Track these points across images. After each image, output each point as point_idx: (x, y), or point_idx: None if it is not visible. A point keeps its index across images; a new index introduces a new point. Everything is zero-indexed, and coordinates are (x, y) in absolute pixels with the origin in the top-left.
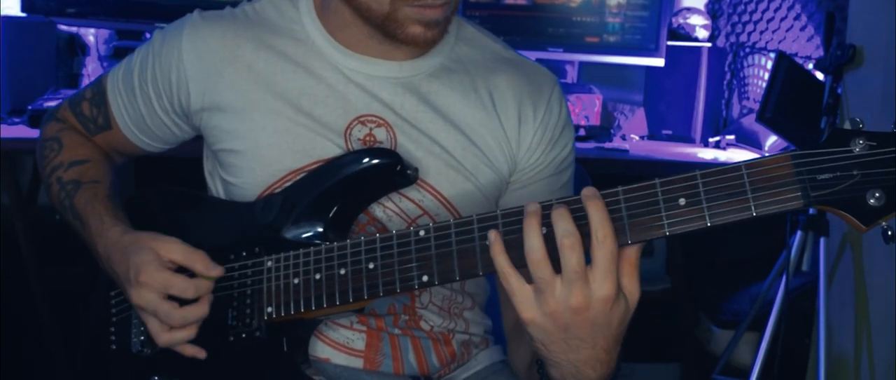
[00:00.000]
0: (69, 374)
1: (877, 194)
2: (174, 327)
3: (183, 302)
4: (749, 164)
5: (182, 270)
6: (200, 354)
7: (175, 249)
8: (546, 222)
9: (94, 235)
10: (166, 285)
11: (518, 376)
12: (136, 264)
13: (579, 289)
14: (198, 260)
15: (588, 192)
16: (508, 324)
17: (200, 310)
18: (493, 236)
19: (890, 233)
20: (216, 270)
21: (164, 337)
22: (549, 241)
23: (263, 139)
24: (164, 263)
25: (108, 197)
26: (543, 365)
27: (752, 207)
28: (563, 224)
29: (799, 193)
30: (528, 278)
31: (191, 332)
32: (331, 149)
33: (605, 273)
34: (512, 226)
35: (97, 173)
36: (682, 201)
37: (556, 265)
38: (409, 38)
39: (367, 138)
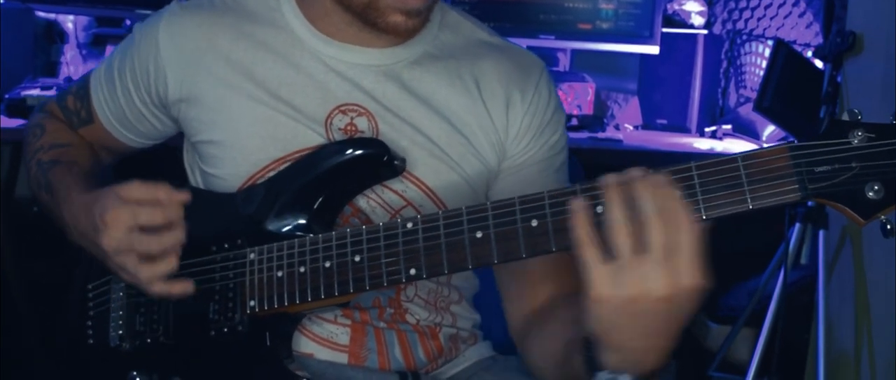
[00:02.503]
0: (46, 369)
1: (876, 187)
2: (153, 254)
3: (156, 235)
4: (745, 155)
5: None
6: (189, 288)
7: (134, 187)
8: (599, 202)
9: (61, 204)
10: (134, 216)
11: (539, 373)
12: (100, 209)
13: (667, 274)
14: (160, 190)
15: (662, 177)
16: (520, 319)
17: (176, 235)
18: (577, 205)
19: (889, 227)
20: (182, 195)
21: (144, 273)
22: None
23: (243, 129)
24: (128, 200)
25: (84, 174)
26: (592, 349)
27: (749, 200)
28: (651, 199)
29: (796, 186)
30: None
31: (172, 262)
32: (312, 138)
33: (691, 261)
34: (503, 218)
35: (76, 156)
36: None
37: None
38: (389, 26)
39: (349, 127)
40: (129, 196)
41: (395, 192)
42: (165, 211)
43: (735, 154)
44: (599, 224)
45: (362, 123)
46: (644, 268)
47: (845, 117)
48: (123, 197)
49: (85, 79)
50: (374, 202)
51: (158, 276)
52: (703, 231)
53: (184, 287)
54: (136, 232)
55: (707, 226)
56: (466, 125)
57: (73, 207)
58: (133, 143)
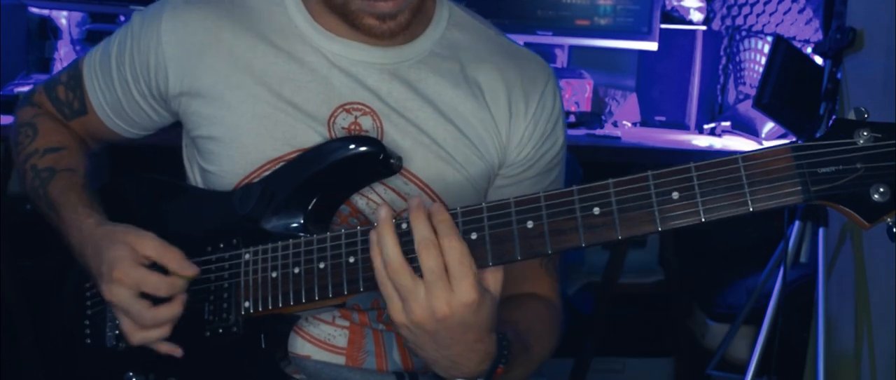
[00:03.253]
0: (41, 368)
1: (881, 189)
2: (147, 327)
3: (157, 300)
4: (746, 156)
5: (156, 266)
6: (176, 351)
7: (150, 245)
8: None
9: (67, 226)
10: (139, 283)
11: None
12: (110, 260)
13: (441, 294)
14: (172, 258)
15: (415, 202)
16: None
17: (173, 310)
18: (373, 238)
19: (895, 230)
20: (191, 270)
21: (137, 336)
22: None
23: (243, 126)
24: (139, 259)
25: (83, 186)
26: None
27: (750, 202)
28: (420, 230)
29: (799, 188)
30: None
31: (164, 331)
32: (313, 137)
33: (461, 278)
34: (498, 219)
35: (73, 161)
36: (675, 195)
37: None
38: (365, 29)
39: (352, 127)
40: (143, 252)
41: (397, 192)
42: (170, 286)
43: (736, 155)
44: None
45: (366, 123)
46: (421, 294)
47: (851, 116)
48: (137, 252)
49: (76, 68)
50: (374, 203)
51: (148, 342)
52: (467, 249)
53: (170, 350)
54: (138, 297)
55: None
56: (471, 128)
57: (82, 236)
58: (127, 133)
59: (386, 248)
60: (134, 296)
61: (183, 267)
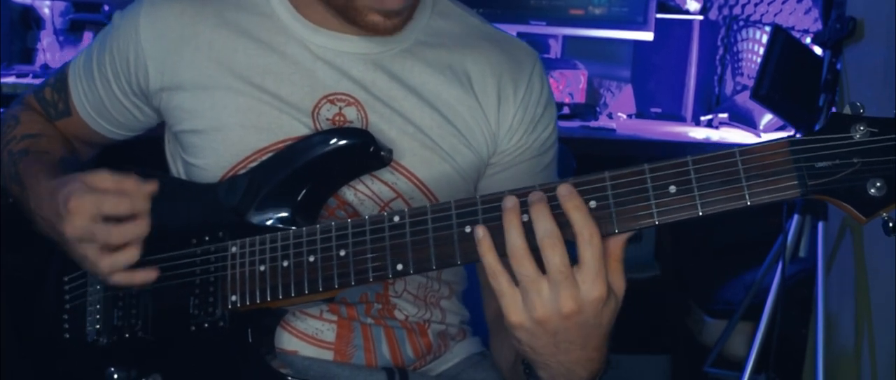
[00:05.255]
0: (21, 365)
1: (878, 184)
2: (114, 245)
3: (118, 226)
4: (743, 149)
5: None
6: (151, 275)
7: (101, 177)
8: (524, 210)
9: (28, 193)
10: (98, 205)
11: (500, 370)
12: (64, 195)
13: (568, 291)
14: (127, 181)
15: (565, 191)
16: (490, 315)
17: (139, 226)
18: (481, 233)
19: (891, 225)
20: (149, 185)
21: (105, 262)
22: (531, 233)
23: (225, 118)
24: (94, 188)
25: (55, 162)
26: (531, 366)
27: (747, 196)
28: (543, 223)
29: (796, 182)
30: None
31: (133, 252)
32: (298, 128)
33: (595, 274)
34: (493, 212)
35: (48, 146)
36: (672, 189)
37: (542, 263)
38: (369, 26)
39: (337, 118)
40: (96, 184)
41: (386, 183)
42: (131, 201)
43: (733, 148)
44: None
45: (351, 113)
46: (545, 289)
47: (847, 111)
48: (89, 184)
49: (63, 70)
50: (363, 194)
51: (119, 267)
52: (616, 240)
53: (146, 276)
54: (99, 221)
55: (627, 236)
56: (458, 116)
57: (38, 196)
58: (112, 135)
59: (511, 236)
60: (93, 221)
61: (141, 186)
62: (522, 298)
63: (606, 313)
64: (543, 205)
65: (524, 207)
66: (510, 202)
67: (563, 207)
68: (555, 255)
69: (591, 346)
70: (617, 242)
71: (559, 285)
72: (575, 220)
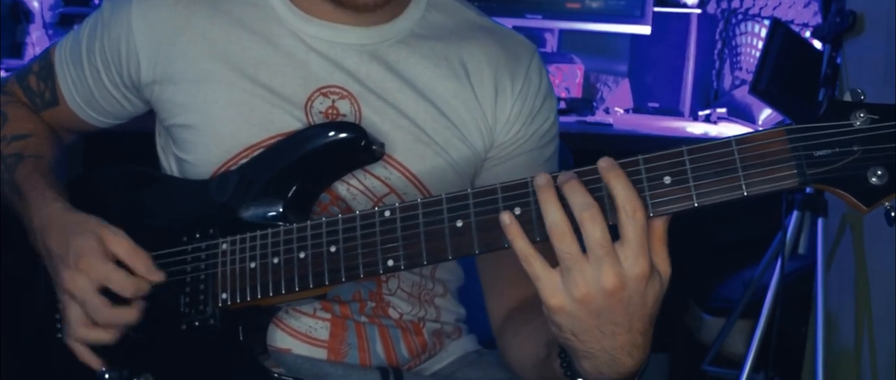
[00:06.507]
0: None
1: (879, 172)
2: (97, 324)
3: (112, 309)
4: (740, 139)
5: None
6: (94, 363)
7: (121, 245)
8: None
9: (31, 209)
10: (106, 278)
11: (519, 372)
12: (78, 248)
13: (610, 266)
14: (141, 260)
15: (605, 163)
16: (500, 315)
17: (131, 315)
18: (508, 219)
19: (893, 214)
20: (157, 275)
21: (81, 331)
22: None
23: (217, 113)
24: (107, 254)
25: (50, 171)
26: (568, 357)
27: (744, 186)
28: (580, 197)
29: (794, 171)
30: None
31: (111, 336)
32: (290, 122)
33: (639, 249)
34: (484, 206)
35: (40, 148)
36: (667, 180)
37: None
38: (351, 2)
39: (330, 111)
40: (112, 249)
41: (378, 178)
42: (136, 286)
43: (729, 138)
44: (537, 227)
45: (344, 106)
46: (586, 267)
47: (847, 98)
48: (106, 248)
49: (47, 56)
50: (356, 189)
51: (87, 341)
52: (661, 219)
53: (89, 360)
54: (97, 292)
55: (669, 217)
56: (453, 109)
57: (46, 219)
58: (100, 123)
59: (550, 213)
60: (94, 290)
61: (150, 271)
62: (562, 278)
63: (651, 292)
64: (576, 181)
65: (526, 198)
66: (543, 179)
67: (604, 179)
68: (595, 228)
69: (636, 329)
70: (661, 221)
71: (601, 261)
72: (617, 192)
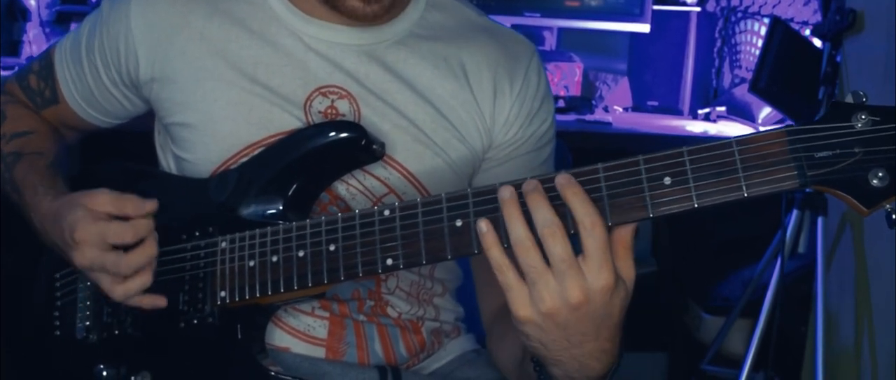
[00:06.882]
0: (11, 361)
1: (880, 174)
2: (125, 275)
3: (128, 255)
4: (740, 140)
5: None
6: (160, 302)
7: (103, 199)
8: (521, 201)
9: (29, 208)
10: (103, 235)
11: (503, 371)
12: (70, 224)
13: (574, 280)
14: (128, 203)
15: (563, 180)
16: (489, 315)
17: (147, 251)
18: (485, 227)
19: (894, 216)
20: (150, 205)
21: (119, 289)
22: (531, 227)
23: (216, 111)
24: (97, 215)
25: (47, 168)
26: (541, 363)
27: (744, 188)
28: (541, 212)
29: (795, 173)
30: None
31: (146, 278)
32: (290, 121)
33: (601, 262)
34: (485, 205)
35: (40, 146)
36: (667, 180)
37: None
38: (348, 10)
39: (329, 111)
40: (98, 209)
41: (378, 178)
42: (134, 228)
43: (729, 138)
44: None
45: (343, 106)
46: (551, 280)
47: (848, 99)
48: (91, 211)
49: (47, 56)
50: (355, 189)
51: (132, 293)
52: (625, 226)
53: (152, 301)
54: (108, 250)
55: (635, 225)
56: (452, 110)
57: (42, 216)
58: (100, 122)
59: (514, 228)
60: (103, 251)
61: (140, 207)
62: (530, 291)
63: (616, 301)
64: (539, 194)
65: (520, 198)
66: (507, 192)
67: (562, 196)
68: (556, 244)
69: (603, 336)
70: (626, 229)
71: (564, 276)
72: (575, 208)
